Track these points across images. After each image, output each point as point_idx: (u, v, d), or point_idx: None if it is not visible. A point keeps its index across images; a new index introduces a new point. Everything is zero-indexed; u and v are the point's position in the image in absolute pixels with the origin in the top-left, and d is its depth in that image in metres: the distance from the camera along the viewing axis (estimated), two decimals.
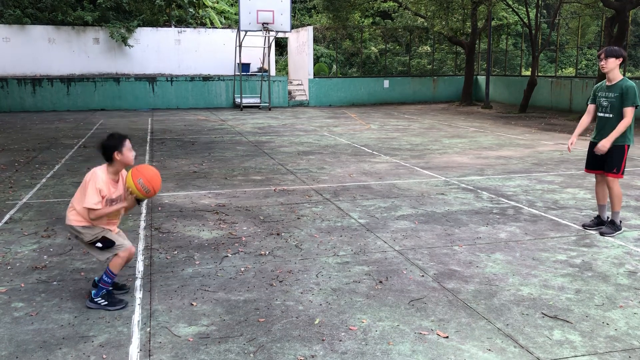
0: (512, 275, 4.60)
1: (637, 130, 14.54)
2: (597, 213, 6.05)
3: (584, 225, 5.96)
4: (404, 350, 3.42)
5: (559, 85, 21.23)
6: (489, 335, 3.60)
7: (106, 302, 4.02)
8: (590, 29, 27.67)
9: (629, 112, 5.51)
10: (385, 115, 19.68)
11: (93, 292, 4.06)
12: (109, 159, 4.00)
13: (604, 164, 5.73)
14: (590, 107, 5.90)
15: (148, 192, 4.01)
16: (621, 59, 5.59)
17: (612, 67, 5.58)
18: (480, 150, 11.43)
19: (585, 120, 5.93)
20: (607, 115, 5.65)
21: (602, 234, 5.69)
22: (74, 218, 4.01)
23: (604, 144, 5.57)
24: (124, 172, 4.16)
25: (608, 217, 5.86)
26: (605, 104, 5.68)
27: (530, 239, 5.60)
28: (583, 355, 3.36)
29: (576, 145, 5.98)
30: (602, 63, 5.61)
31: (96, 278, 4.25)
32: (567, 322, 3.78)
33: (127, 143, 4.03)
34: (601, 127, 5.73)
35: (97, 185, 3.93)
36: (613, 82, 5.63)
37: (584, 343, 3.50)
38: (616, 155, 5.64)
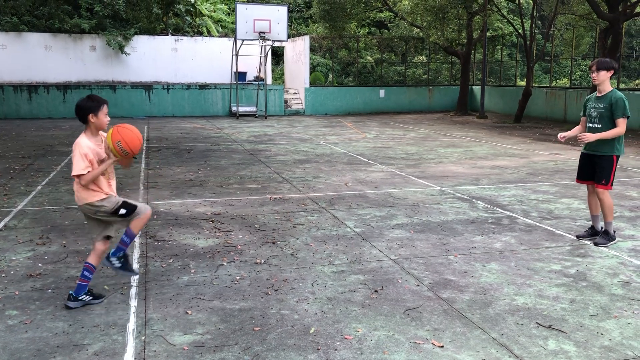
0: (507, 285, 4.62)
1: (627, 140, 14.63)
2: (591, 223, 6.08)
3: (578, 236, 5.97)
4: (399, 359, 3.42)
5: (553, 96, 21.37)
6: (484, 345, 3.60)
7: (120, 265, 4.17)
8: (584, 40, 27.87)
9: (621, 123, 5.56)
10: (381, 125, 19.75)
11: (110, 252, 4.15)
12: (83, 120, 4.02)
13: (594, 175, 5.77)
14: (583, 120, 5.95)
15: (126, 154, 4.04)
16: (612, 71, 5.64)
17: (603, 80, 5.64)
18: (476, 160, 11.47)
19: (578, 128, 5.99)
20: (595, 125, 5.69)
21: (596, 244, 5.72)
22: (88, 195, 4.03)
23: (589, 137, 5.57)
24: (102, 134, 4.15)
25: (602, 228, 5.89)
26: (594, 114, 5.72)
27: (525, 248, 5.62)
28: None
29: (570, 156, 6.00)
30: (593, 75, 5.68)
31: (72, 292, 4.21)
32: (562, 332, 3.79)
33: (105, 108, 4.05)
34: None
35: (82, 151, 3.95)
36: (603, 93, 5.69)
37: (579, 353, 3.51)
38: (605, 167, 5.66)
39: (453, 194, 8.17)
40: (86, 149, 3.97)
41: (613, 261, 5.24)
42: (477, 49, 26.42)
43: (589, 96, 5.97)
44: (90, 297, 4.17)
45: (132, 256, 5.19)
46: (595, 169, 5.74)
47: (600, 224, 5.93)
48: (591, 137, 5.59)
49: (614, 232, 5.84)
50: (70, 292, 4.20)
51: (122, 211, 4.09)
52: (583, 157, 5.92)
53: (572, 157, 11.58)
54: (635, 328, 3.85)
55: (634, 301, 4.30)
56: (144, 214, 4.15)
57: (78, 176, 3.96)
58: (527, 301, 4.29)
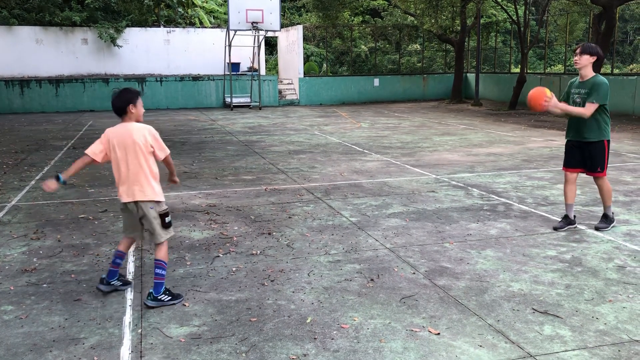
0: (502, 272, 4.63)
1: (621, 125, 14.65)
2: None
3: (555, 228, 5.76)
4: (395, 347, 3.43)
5: (547, 82, 21.35)
6: (480, 332, 3.61)
7: (170, 297, 4.08)
8: (578, 26, 27.81)
9: (589, 107, 5.37)
10: (375, 114, 19.71)
11: (153, 290, 4.05)
12: (121, 112, 4.03)
13: (586, 163, 5.68)
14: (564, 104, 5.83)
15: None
16: (595, 58, 5.47)
17: (585, 64, 5.47)
18: (471, 148, 11.47)
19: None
20: None
21: (597, 228, 5.69)
22: (156, 192, 4.10)
23: (553, 104, 5.31)
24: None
25: (575, 216, 5.81)
26: (578, 100, 5.56)
27: (520, 235, 5.63)
28: (573, 349, 3.39)
29: (565, 142, 5.96)
30: (576, 58, 5.51)
31: (104, 276, 4.23)
32: (558, 317, 3.81)
33: (140, 98, 4.10)
34: (577, 125, 5.62)
35: (156, 132, 4.10)
36: (585, 79, 5.54)
37: (574, 338, 3.53)
38: (597, 154, 5.57)
39: (448, 181, 8.17)
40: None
41: (608, 246, 5.26)
42: (471, 36, 26.36)
43: (571, 80, 5.82)
44: (170, 297, 4.10)
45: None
46: (586, 157, 5.64)
47: (573, 213, 5.84)
48: (555, 104, 5.34)
49: (612, 213, 5.83)
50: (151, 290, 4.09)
51: (167, 219, 4.13)
52: (570, 145, 5.77)
53: (562, 145, 11.58)
54: (630, 312, 3.87)
55: (629, 285, 4.32)
56: (168, 240, 4.20)
57: (168, 155, 4.18)
58: (522, 287, 4.30)
